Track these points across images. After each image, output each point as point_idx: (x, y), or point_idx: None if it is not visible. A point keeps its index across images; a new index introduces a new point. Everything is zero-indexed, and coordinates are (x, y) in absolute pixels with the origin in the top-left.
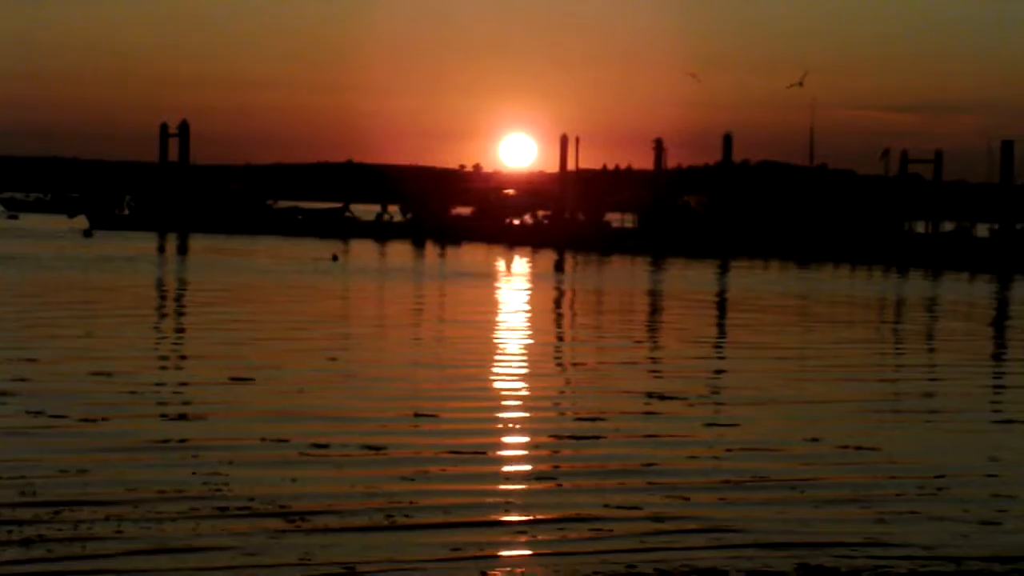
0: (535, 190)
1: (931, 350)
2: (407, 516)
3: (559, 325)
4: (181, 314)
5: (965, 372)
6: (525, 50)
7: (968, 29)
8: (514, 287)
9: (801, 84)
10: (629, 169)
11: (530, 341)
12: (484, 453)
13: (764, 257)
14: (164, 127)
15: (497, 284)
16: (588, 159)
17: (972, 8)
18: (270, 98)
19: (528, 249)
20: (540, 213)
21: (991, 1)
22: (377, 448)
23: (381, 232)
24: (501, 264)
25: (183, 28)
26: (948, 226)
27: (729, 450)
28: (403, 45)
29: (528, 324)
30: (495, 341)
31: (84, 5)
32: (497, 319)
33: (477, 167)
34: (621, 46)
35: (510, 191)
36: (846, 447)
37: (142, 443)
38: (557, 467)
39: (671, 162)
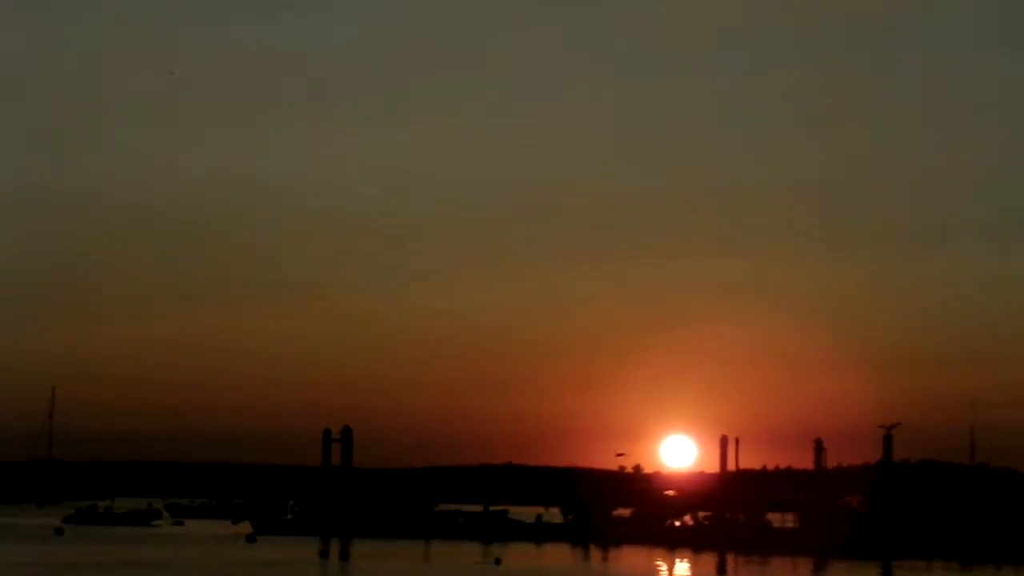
0: (695, 491)
1: None
2: None
3: None
4: None
5: None
6: (685, 350)
7: None
8: None
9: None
10: (789, 469)
11: None
12: None
13: (927, 558)
14: (327, 433)
15: None
16: (748, 459)
17: None
18: (432, 401)
19: (688, 551)
20: (700, 514)
21: None
22: None
23: (540, 534)
24: (663, 567)
25: (342, 335)
26: None
27: None
28: (562, 348)
29: None
30: None
31: (242, 312)
32: None
33: (637, 468)
34: (782, 347)
35: (671, 492)
36: None
37: None
38: None
39: (831, 461)
